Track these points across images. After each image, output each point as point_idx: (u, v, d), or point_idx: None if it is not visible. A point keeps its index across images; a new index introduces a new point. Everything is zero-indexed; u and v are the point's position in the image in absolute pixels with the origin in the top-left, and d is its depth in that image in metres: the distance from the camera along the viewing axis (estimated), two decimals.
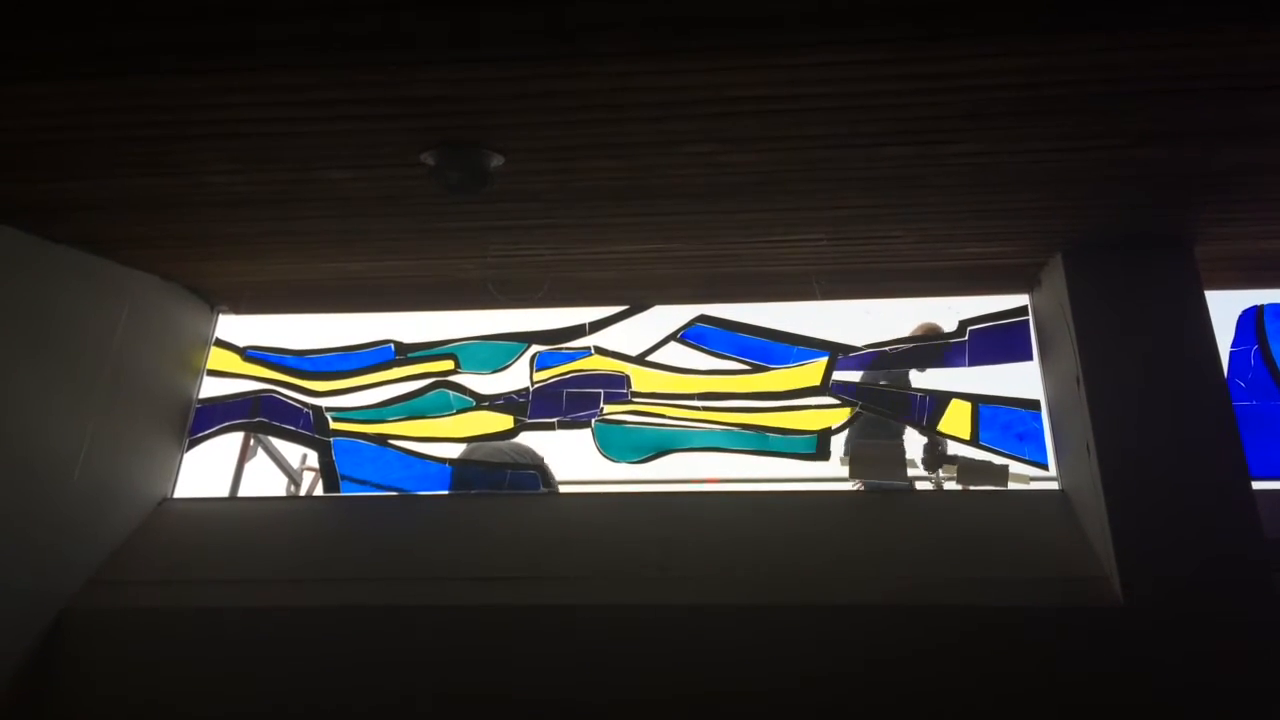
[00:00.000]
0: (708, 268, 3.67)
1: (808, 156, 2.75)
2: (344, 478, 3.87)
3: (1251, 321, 3.70)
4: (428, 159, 2.63)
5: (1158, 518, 3.00)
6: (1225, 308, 3.79)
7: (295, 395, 4.07)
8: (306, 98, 2.45)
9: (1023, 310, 3.81)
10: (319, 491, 4.39)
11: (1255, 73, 2.40)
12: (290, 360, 4.13)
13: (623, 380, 3.97)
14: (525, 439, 4.00)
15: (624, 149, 2.68)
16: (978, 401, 3.74)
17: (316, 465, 4.03)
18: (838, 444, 3.82)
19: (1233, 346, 3.66)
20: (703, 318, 4.01)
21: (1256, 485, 3.16)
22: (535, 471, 3.90)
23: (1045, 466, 3.60)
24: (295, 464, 4.83)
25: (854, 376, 3.88)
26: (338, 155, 2.74)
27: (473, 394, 4.01)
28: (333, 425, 3.97)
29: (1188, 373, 3.22)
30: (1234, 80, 2.43)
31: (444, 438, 3.97)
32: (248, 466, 4.34)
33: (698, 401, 3.90)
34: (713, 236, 3.36)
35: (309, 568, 3.47)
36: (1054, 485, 3.58)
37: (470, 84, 2.38)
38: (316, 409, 4.02)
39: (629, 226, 3.27)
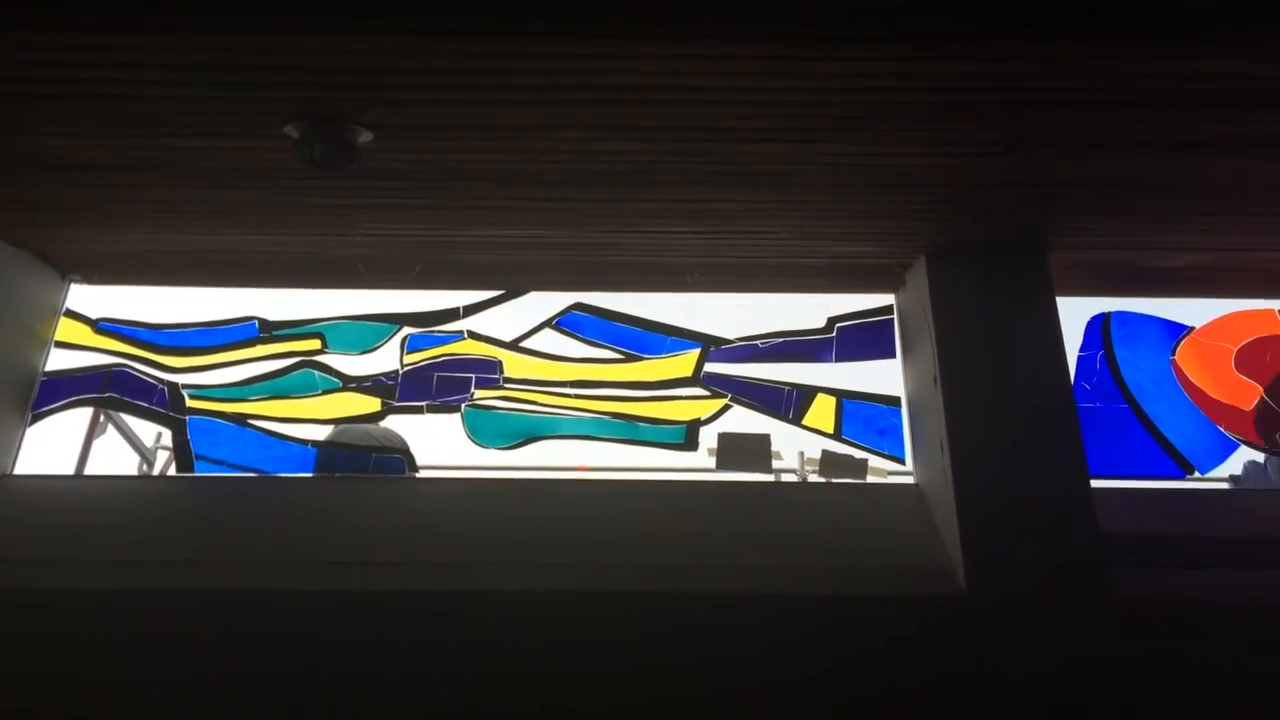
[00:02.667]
0: (585, 255, 3.66)
1: (684, 148, 2.77)
2: (199, 457, 3.73)
3: (1099, 328, 3.89)
4: (291, 131, 2.55)
5: (1002, 512, 3.14)
6: (1075, 314, 3.97)
7: (150, 371, 3.90)
8: (165, 60, 2.35)
9: (888, 309, 3.92)
10: (173, 471, 4.22)
11: (1109, 88, 2.53)
12: (145, 334, 3.96)
13: (495, 365, 3.93)
14: (391, 422, 3.94)
15: (497, 131, 2.65)
16: (842, 397, 3.84)
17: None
18: (706, 435, 3.86)
19: (1080, 351, 3.84)
20: (578, 305, 4.01)
21: (1095, 483, 3.34)
22: (401, 456, 3.83)
23: (902, 461, 3.72)
24: (150, 443, 4.63)
25: (726, 369, 3.93)
26: (197, 123, 2.64)
27: (339, 375, 3.91)
28: (189, 403, 3.82)
29: (1037, 375, 3.37)
30: (1090, 95, 2.56)
31: (308, 419, 3.87)
32: (96, 443, 4.15)
33: (570, 389, 3.90)
34: (589, 224, 3.35)
35: (160, 549, 3.33)
36: (910, 480, 3.70)
37: (339, 55, 2.32)
38: (172, 385, 3.86)
39: (504, 210, 3.24)
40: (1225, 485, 4.17)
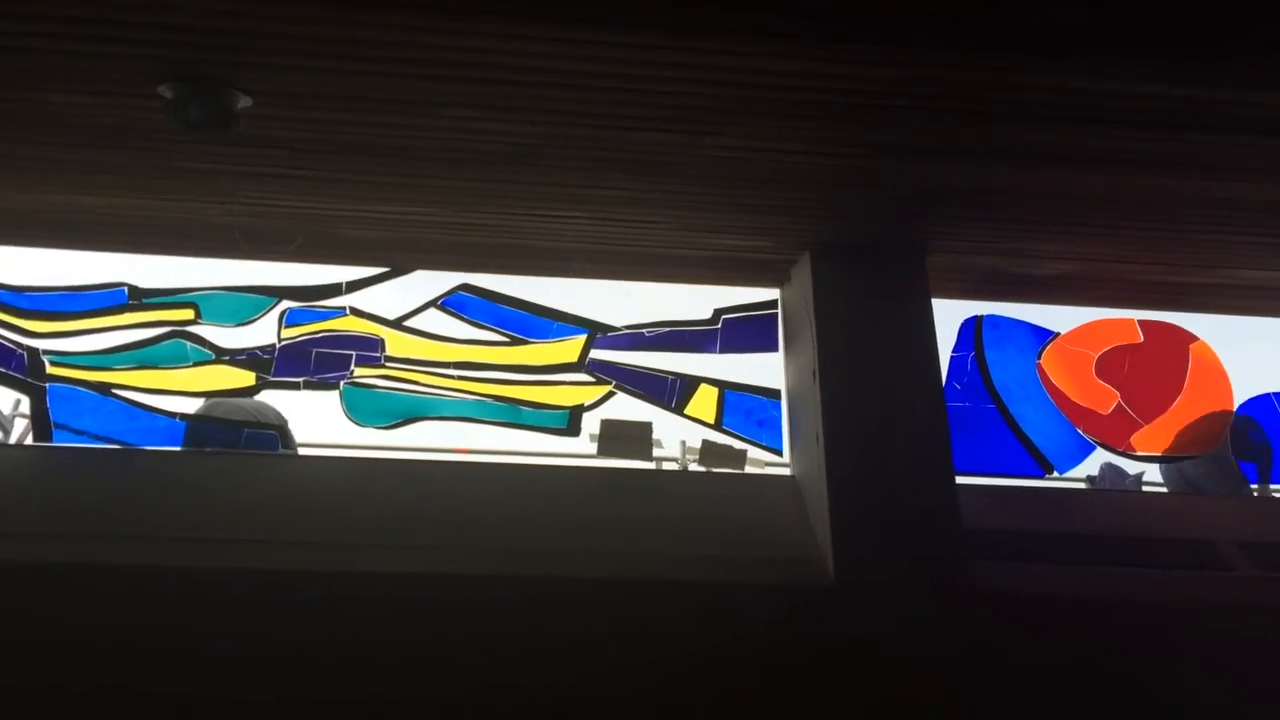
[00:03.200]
0: (472, 236, 3.62)
1: (572, 133, 2.77)
2: (59, 426, 3.58)
3: (971, 330, 4.03)
4: (165, 92, 2.46)
5: (872, 505, 3.23)
6: (953, 316, 4.09)
7: (9, 335, 3.71)
8: (35, 11, 2.24)
9: (773, 304, 3.99)
10: (31, 440, 4.04)
11: (987, 99, 2.62)
12: (6, 296, 3.77)
13: (377, 343, 3.86)
14: (269, 399, 3.85)
15: (383, 105, 2.60)
16: (724, 387, 3.90)
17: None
18: (589, 420, 3.87)
19: (953, 352, 3.98)
20: (465, 286, 3.96)
21: (960, 480, 3.46)
22: (275, 432, 3.74)
23: (780, 453, 3.80)
24: (7, 409, 4.43)
25: (612, 356, 3.94)
26: (67, 77, 2.52)
27: (213, 347, 3.79)
28: (50, 370, 3.66)
29: (911, 373, 3.47)
30: (968, 104, 2.65)
31: (178, 391, 3.74)
32: None
33: (453, 370, 3.86)
34: (476, 204, 3.31)
35: (16, 520, 3.18)
36: (786, 471, 3.78)
37: (219, 16, 2.24)
38: (32, 351, 3.69)
39: (390, 186, 3.18)
40: (1082, 485, 4.37)
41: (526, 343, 3.92)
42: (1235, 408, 4.02)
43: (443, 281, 3.98)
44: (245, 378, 3.76)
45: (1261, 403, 4.11)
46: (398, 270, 3.95)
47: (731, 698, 3.01)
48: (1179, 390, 3.98)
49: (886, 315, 3.54)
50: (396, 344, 3.88)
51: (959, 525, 3.27)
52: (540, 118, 2.68)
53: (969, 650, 3.09)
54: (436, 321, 3.95)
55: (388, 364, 3.84)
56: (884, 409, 3.39)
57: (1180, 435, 3.96)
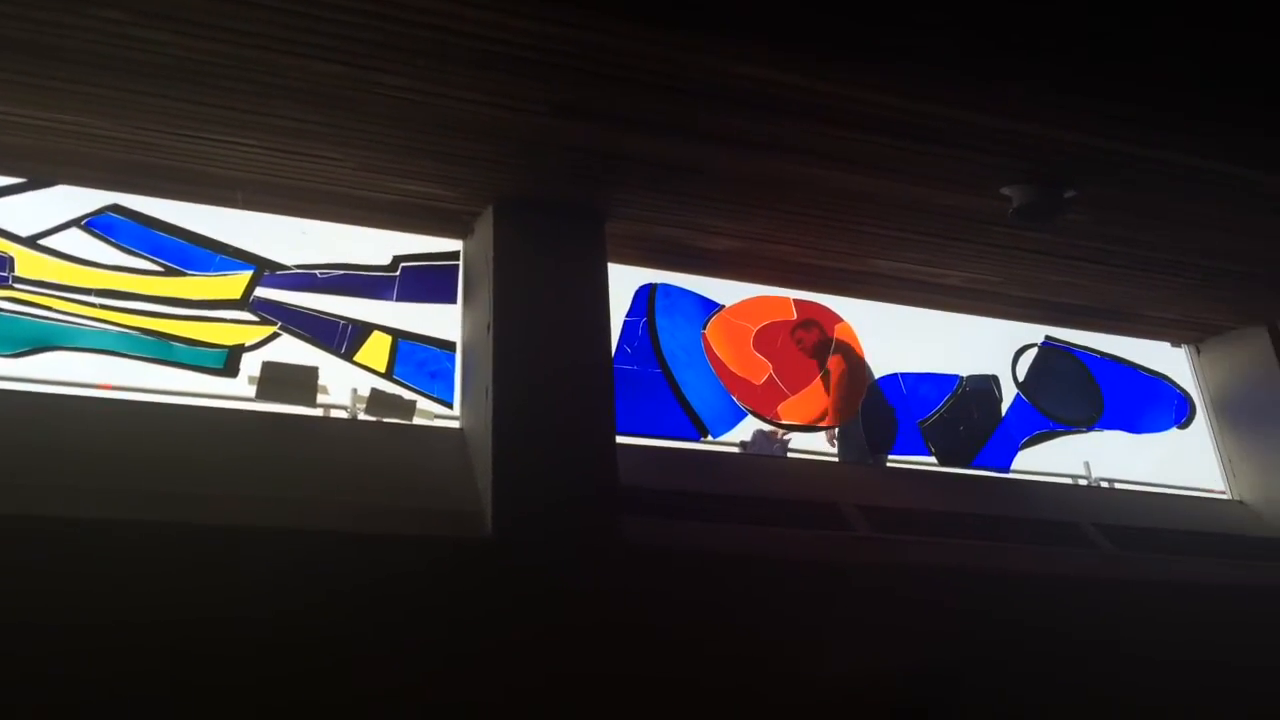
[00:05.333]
0: (127, 153, 3.29)
1: (237, 53, 2.61)
2: None
3: (645, 297, 4.20)
4: None
5: (534, 460, 3.30)
6: (627, 281, 4.22)
7: None
8: None
9: (455, 255, 3.95)
10: None
11: (662, 73, 2.73)
12: None
13: (4, 262, 3.44)
14: None
15: None
16: (398, 336, 3.82)
17: None
18: (250, 361, 3.66)
19: (626, 316, 4.12)
20: (115, 207, 3.60)
21: (622, 439, 3.61)
22: None
23: (450, 405, 3.78)
24: None
25: (279, 295, 3.74)
26: None
27: None
28: None
29: (583, 334, 3.58)
30: (643, 76, 2.76)
31: None
32: None
33: (95, 298, 3.51)
34: (133, 119, 3.04)
35: None
36: (456, 424, 3.77)
37: None
38: None
39: (26, 87, 2.85)
40: (734, 450, 4.66)
41: (183, 274, 3.64)
42: (870, 383, 4.46)
43: (89, 200, 3.60)
44: None
45: (889, 381, 4.57)
46: (36, 182, 3.52)
47: (380, 647, 2.97)
48: (823, 366, 4.36)
49: (563, 275, 3.62)
50: (28, 264, 3.47)
51: (617, 483, 3.41)
52: (205, 33, 2.51)
53: (620, 601, 3.22)
54: (79, 243, 3.57)
55: (16, 285, 3.43)
56: (553, 367, 3.46)
57: (820, 407, 4.35)
